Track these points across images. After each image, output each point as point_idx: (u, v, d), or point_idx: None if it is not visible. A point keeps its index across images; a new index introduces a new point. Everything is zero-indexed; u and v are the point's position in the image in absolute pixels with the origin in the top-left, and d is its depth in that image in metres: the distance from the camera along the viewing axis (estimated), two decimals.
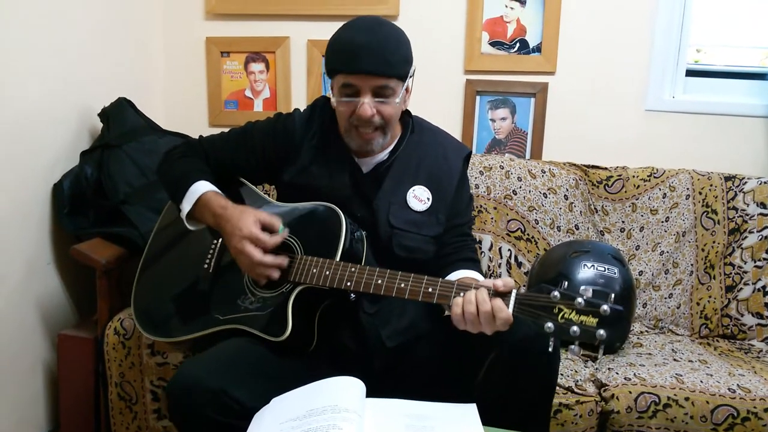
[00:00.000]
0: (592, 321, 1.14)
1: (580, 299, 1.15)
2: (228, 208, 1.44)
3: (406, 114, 1.60)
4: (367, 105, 1.40)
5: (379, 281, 1.34)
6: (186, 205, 1.49)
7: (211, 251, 1.57)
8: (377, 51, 1.37)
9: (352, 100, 1.41)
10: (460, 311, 1.24)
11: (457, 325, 1.26)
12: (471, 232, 1.63)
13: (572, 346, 1.16)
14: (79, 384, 1.93)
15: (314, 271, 1.38)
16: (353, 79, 1.39)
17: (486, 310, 1.22)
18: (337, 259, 1.39)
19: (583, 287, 1.17)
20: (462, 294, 1.26)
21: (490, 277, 2.13)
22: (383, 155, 1.54)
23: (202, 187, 1.50)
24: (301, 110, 1.60)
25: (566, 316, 1.15)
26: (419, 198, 1.52)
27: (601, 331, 1.13)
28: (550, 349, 1.18)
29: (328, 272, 1.37)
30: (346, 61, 1.39)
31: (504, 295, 1.23)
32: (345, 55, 1.39)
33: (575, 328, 1.14)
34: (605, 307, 1.13)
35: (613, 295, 1.15)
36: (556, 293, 1.17)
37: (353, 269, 1.36)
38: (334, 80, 1.44)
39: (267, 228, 1.40)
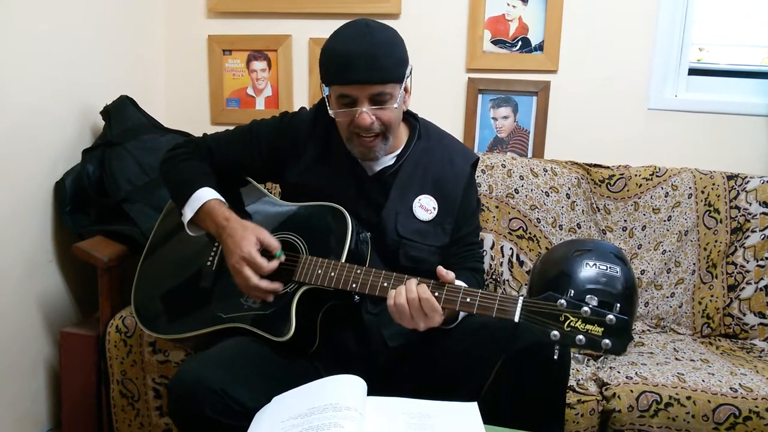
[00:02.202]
0: (597, 330, 1.15)
1: (586, 308, 1.16)
2: (231, 220, 1.43)
3: (412, 117, 1.58)
4: (366, 114, 1.37)
5: (385, 284, 1.33)
6: (188, 212, 1.49)
7: (214, 249, 1.57)
8: (369, 59, 1.34)
9: (350, 110, 1.39)
10: (392, 302, 1.29)
11: (393, 317, 1.31)
12: (478, 239, 1.62)
13: (577, 354, 1.16)
14: (81, 381, 1.94)
15: (319, 272, 1.38)
16: (348, 89, 1.37)
17: (413, 298, 1.26)
18: (343, 260, 1.38)
19: (588, 295, 1.18)
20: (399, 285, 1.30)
21: (492, 278, 2.14)
22: (389, 159, 1.52)
23: (205, 195, 1.49)
24: (307, 109, 1.60)
25: (572, 324, 1.17)
26: (425, 207, 1.51)
27: (607, 341, 1.14)
28: (555, 357, 1.19)
29: (333, 273, 1.36)
30: (339, 73, 1.37)
31: (442, 285, 1.29)
32: (337, 66, 1.36)
33: (581, 336, 1.16)
34: (611, 316, 1.14)
35: (618, 305, 1.16)
36: (563, 301, 1.18)
37: (359, 271, 1.35)
38: (330, 90, 1.42)
39: (266, 250, 1.40)
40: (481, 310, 1.26)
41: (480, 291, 1.27)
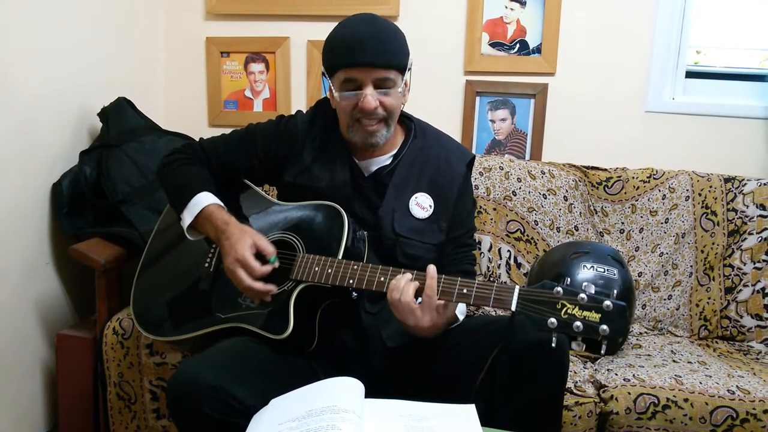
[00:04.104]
0: (595, 316, 1.16)
1: (583, 295, 1.17)
2: (230, 224, 1.44)
3: (407, 118, 1.60)
4: (370, 96, 1.40)
5: (382, 278, 1.34)
6: (187, 217, 1.49)
7: (211, 251, 1.57)
8: (376, 43, 1.38)
9: (355, 93, 1.42)
10: (390, 297, 1.31)
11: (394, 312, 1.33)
12: (472, 242, 1.62)
13: (574, 343, 1.17)
14: (77, 383, 1.93)
15: (316, 269, 1.38)
16: (354, 72, 1.40)
17: (406, 287, 1.29)
18: (339, 257, 1.39)
19: (585, 284, 1.19)
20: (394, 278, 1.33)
21: (489, 279, 2.14)
22: (385, 159, 1.53)
23: (204, 200, 1.49)
24: (303, 111, 1.60)
25: (569, 311, 1.17)
26: (421, 205, 1.52)
27: (604, 327, 1.14)
28: (553, 344, 1.19)
29: (330, 270, 1.37)
30: (345, 55, 1.40)
31: (439, 277, 1.30)
32: (344, 49, 1.40)
33: (578, 323, 1.16)
34: (608, 302, 1.15)
35: (615, 291, 1.17)
36: (559, 289, 1.19)
37: (356, 267, 1.36)
38: (334, 77, 1.44)
39: (261, 254, 1.41)
40: (478, 301, 1.27)
41: (476, 281, 1.28)
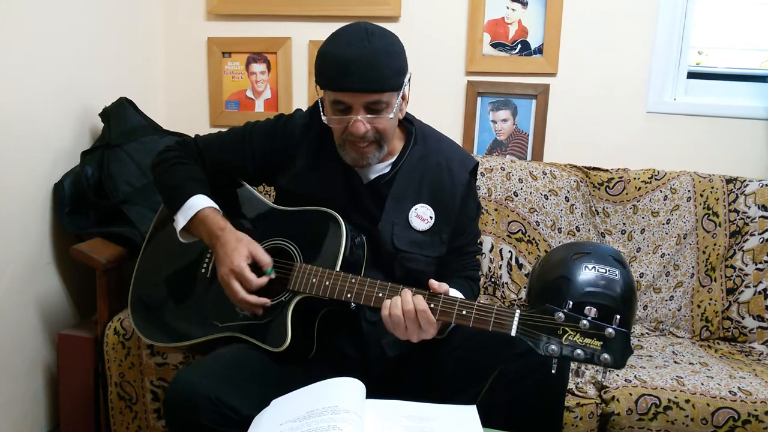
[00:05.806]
0: (596, 344, 1.13)
1: (584, 321, 1.14)
2: (225, 230, 1.40)
3: (408, 122, 1.54)
4: (360, 122, 1.34)
5: (380, 294, 1.32)
6: (181, 220, 1.45)
7: (208, 256, 1.55)
8: (368, 66, 1.30)
9: (344, 117, 1.36)
10: (387, 313, 1.28)
11: (387, 327, 1.29)
12: (475, 248, 1.59)
13: (574, 369, 1.15)
14: (78, 384, 1.93)
15: (314, 280, 1.36)
16: (344, 96, 1.33)
17: (408, 309, 1.26)
18: (338, 268, 1.37)
19: (587, 307, 1.16)
20: (394, 296, 1.29)
21: (491, 281, 2.13)
22: (384, 167, 1.49)
23: (199, 203, 1.44)
24: (303, 110, 1.56)
25: (570, 338, 1.15)
26: (422, 217, 1.47)
27: (606, 355, 1.12)
28: (553, 371, 1.17)
29: (327, 282, 1.35)
30: (335, 79, 1.33)
31: (438, 297, 1.27)
32: (334, 72, 1.32)
33: (579, 351, 1.14)
34: (610, 330, 1.13)
35: (618, 317, 1.14)
36: (561, 314, 1.16)
37: (353, 280, 1.34)
38: (324, 94, 1.39)
39: (257, 264, 1.38)
40: (477, 324, 1.24)
41: (476, 303, 1.25)
